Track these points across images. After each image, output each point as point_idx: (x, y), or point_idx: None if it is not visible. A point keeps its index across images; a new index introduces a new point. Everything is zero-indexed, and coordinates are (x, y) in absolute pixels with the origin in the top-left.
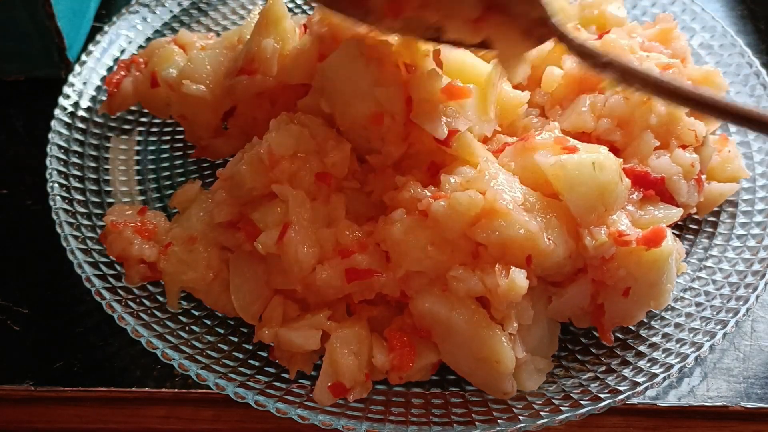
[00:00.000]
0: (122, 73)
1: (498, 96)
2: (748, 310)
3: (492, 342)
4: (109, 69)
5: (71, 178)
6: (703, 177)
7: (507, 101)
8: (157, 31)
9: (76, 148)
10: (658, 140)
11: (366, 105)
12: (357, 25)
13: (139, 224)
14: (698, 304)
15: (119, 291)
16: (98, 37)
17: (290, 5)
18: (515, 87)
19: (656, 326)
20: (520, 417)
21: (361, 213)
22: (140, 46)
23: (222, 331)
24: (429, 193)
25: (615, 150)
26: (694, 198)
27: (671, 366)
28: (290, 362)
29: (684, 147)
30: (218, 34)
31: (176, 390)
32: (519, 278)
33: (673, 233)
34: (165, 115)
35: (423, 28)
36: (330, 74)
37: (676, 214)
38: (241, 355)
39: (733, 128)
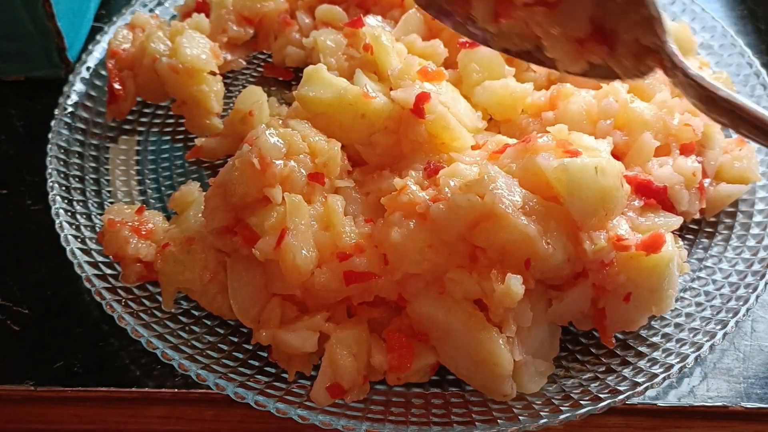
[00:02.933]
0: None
1: (502, 89)
2: (748, 310)
3: (489, 344)
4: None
5: (71, 178)
6: (707, 182)
7: (513, 94)
8: None
9: (76, 148)
10: (656, 140)
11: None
12: (456, 29)
13: (136, 223)
14: (698, 304)
15: (119, 291)
16: (98, 37)
17: None
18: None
19: (656, 326)
20: (520, 417)
21: (359, 214)
22: None
23: (222, 331)
24: (427, 196)
25: (617, 154)
26: (695, 207)
27: (671, 366)
28: (289, 364)
29: (688, 152)
30: None
31: (176, 390)
32: (515, 284)
33: (677, 234)
34: (165, 99)
35: (521, 39)
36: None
37: (675, 222)
38: (241, 355)
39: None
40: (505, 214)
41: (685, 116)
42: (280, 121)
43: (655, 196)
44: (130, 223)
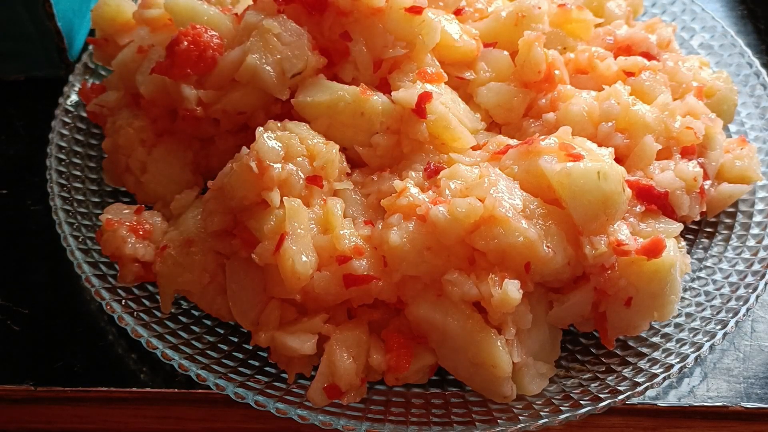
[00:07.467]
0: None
1: (506, 91)
2: (748, 310)
3: (487, 346)
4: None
5: (71, 178)
6: (707, 183)
7: (516, 97)
8: None
9: (76, 148)
10: (658, 143)
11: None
12: None
13: (134, 223)
14: (698, 304)
15: (119, 291)
16: None
17: None
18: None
19: (656, 326)
20: (520, 417)
21: (358, 216)
22: None
23: (222, 331)
24: (427, 198)
25: (618, 157)
26: (695, 211)
27: (671, 366)
28: (288, 365)
29: (689, 154)
30: None
31: (176, 390)
32: (512, 290)
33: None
34: None
35: None
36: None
37: (675, 229)
38: (241, 355)
39: (731, 127)
40: (506, 218)
41: (687, 119)
42: (278, 124)
43: (656, 202)
44: (128, 223)
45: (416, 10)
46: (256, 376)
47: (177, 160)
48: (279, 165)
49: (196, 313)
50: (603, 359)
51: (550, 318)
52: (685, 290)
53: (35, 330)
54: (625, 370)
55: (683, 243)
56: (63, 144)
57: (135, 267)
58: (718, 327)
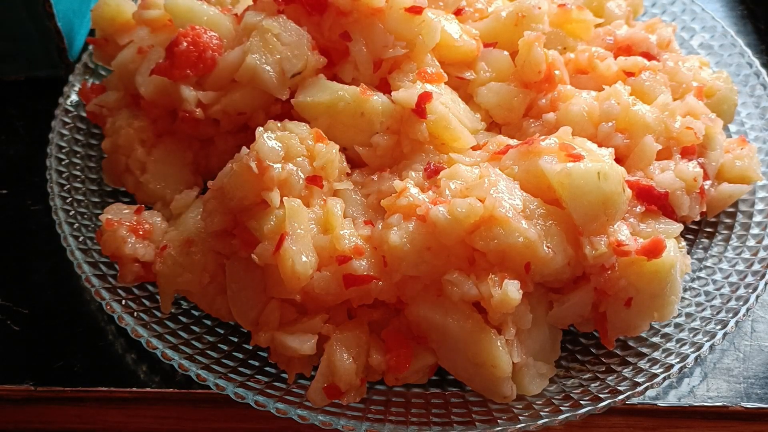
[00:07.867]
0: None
1: (506, 91)
2: (748, 310)
3: (487, 346)
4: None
5: (71, 178)
6: (707, 184)
7: (517, 97)
8: None
9: (76, 148)
10: (658, 143)
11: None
12: None
13: (134, 223)
14: (698, 304)
15: (119, 291)
16: None
17: None
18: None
19: (656, 326)
20: (520, 417)
21: (358, 216)
22: None
23: (222, 331)
24: (427, 199)
25: (618, 157)
26: (695, 211)
27: (671, 366)
28: (288, 366)
29: (689, 154)
30: None
31: (176, 390)
32: (512, 290)
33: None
34: None
35: None
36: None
37: (676, 230)
38: (241, 356)
39: (731, 127)
40: (506, 218)
41: (687, 119)
42: (278, 124)
43: (656, 202)
44: (128, 223)
45: (416, 10)
46: (256, 376)
47: (177, 160)
48: (279, 165)
49: (196, 313)
50: (603, 359)
51: (550, 318)
52: (685, 290)
53: (35, 330)
54: (625, 370)
55: (683, 243)
56: (63, 144)
57: (135, 267)
58: (718, 327)
